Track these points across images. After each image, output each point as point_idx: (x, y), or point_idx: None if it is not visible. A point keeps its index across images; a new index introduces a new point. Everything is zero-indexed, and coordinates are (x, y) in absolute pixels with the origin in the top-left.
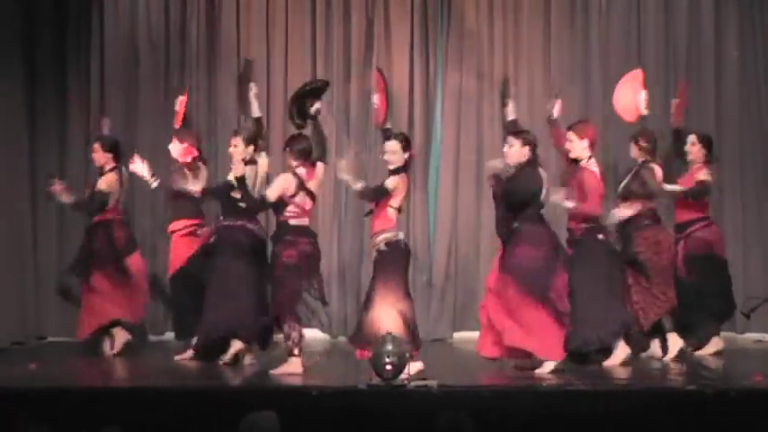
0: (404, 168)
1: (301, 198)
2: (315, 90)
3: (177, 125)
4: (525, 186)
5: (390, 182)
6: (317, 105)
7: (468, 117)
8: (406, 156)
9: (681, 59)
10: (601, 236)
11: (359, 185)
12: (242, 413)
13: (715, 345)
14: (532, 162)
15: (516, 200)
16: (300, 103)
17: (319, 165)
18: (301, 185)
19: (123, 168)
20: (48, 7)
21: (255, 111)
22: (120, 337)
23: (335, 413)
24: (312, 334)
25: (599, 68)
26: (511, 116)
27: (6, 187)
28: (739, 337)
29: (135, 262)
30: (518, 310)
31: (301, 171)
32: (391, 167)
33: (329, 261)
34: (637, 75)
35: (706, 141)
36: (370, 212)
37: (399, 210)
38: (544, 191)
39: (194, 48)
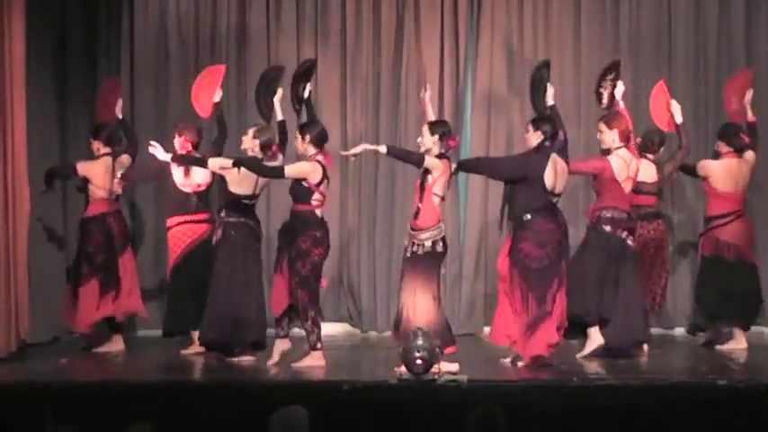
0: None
1: (324, 186)
2: (306, 72)
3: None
4: (517, 167)
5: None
6: (308, 87)
7: (498, 109)
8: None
9: (711, 51)
10: (608, 227)
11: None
12: (272, 408)
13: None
14: (540, 149)
15: (506, 177)
16: (294, 87)
17: None
18: (325, 173)
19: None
20: (78, 3)
21: (279, 115)
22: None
23: (366, 408)
24: (342, 328)
25: (629, 60)
26: (550, 101)
27: (38, 182)
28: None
29: (128, 258)
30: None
31: (320, 158)
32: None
33: (359, 254)
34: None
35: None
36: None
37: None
38: (549, 181)
39: (224, 43)
